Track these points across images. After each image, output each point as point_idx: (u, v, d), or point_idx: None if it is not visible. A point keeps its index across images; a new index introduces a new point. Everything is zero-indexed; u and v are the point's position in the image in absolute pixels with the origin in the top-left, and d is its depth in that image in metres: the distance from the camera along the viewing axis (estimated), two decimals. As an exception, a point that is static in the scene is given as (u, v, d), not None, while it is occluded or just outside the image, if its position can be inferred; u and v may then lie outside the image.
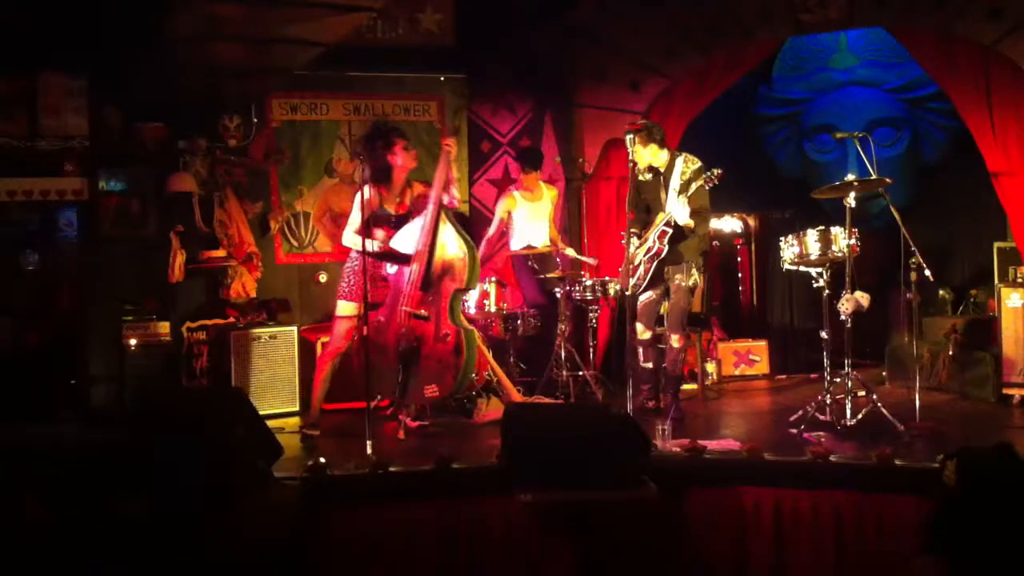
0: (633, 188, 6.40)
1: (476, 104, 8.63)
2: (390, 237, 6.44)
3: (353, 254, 6.41)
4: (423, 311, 6.27)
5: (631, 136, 6.26)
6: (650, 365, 6.86)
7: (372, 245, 6.26)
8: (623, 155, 6.42)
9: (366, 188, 6.30)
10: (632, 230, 6.70)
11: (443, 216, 6.36)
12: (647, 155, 6.58)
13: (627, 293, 6.62)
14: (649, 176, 6.68)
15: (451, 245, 6.34)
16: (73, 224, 7.35)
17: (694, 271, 6.60)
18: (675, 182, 6.47)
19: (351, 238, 6.35)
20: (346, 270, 6.50)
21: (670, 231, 6.50)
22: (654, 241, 6.55)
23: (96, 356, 7.19)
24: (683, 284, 6.58)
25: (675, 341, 6.67)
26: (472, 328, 6.47)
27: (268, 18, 7.00)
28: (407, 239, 6.40)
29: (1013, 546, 3.07)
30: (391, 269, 6.47)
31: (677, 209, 6.44)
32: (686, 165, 6.49)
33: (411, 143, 6.68)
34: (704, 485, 5.28)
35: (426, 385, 6.28)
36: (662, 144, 6.63)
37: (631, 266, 6.64)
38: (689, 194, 6.40)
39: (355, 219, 6.36)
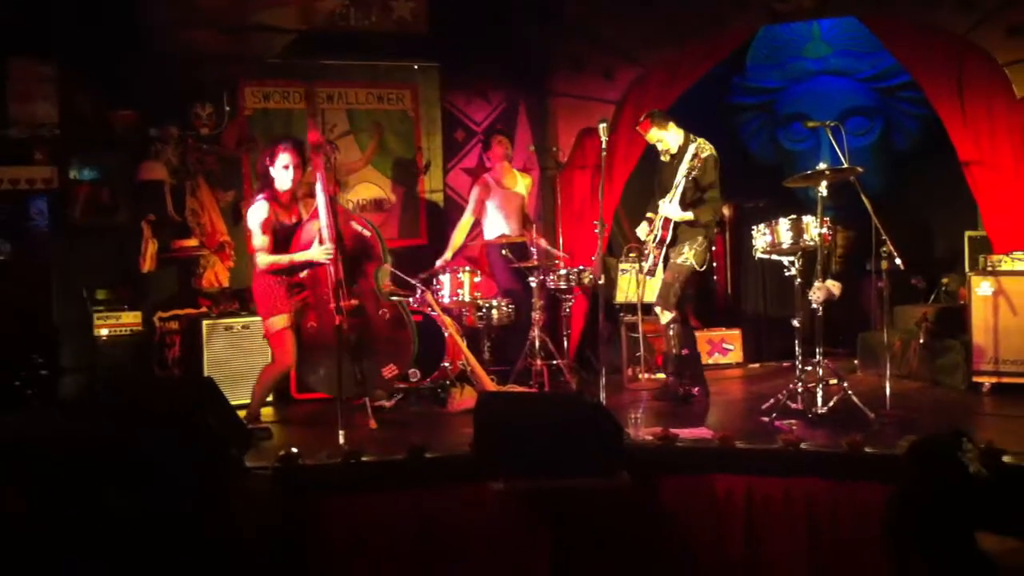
0: (606, 177, 6.42)
1: (450, 93, 8.62)
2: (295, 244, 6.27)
3: (258, 271, 6.23)
4: (353, 302, 6.20)
5: (604, 124, 6.26)
6: (675, 351, 6.88)
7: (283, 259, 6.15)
8: (597, 144, 6.46)
9: (264, 203, 6.16)
10: (648, 214, 6.92)
11: (336, 204, 6.27)
12: (670, 137, 6.76)
13: (600, 281, 6.68)
14: (668, 159, 6.83)
15: (353, 227, 6.30)
16: (44, 213, 7.29)
17: (686, 249, 6.67)
18: (683, 168, 6.56)
19: (267, 259, 6.14)
20: (259, 290, 6.26)
21: (673, 219, 6.68)
22: (659, 229, 6.72)
23: (67, 346, 7.15)
24: (674, 260, 6.70)
25: (661, 316, 6.77)
26: (400, 299, 6.52)
27: (241, 4, 6.98)
28: (310, 241, 6.24)
29: (957, 533, 3.08)
30: (304, 272, 6.29)
31: (669, 209, 6.63)
32: (694, 150, 6.54)
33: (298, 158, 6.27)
34: (677, 473, 5.30)
35: (383, 368, 6.29)
36: (675, 125, 6.79)
37: (643, 252, 6.89)
38: (690, 180, 6.55)
39: (263, 241, 6.14)
